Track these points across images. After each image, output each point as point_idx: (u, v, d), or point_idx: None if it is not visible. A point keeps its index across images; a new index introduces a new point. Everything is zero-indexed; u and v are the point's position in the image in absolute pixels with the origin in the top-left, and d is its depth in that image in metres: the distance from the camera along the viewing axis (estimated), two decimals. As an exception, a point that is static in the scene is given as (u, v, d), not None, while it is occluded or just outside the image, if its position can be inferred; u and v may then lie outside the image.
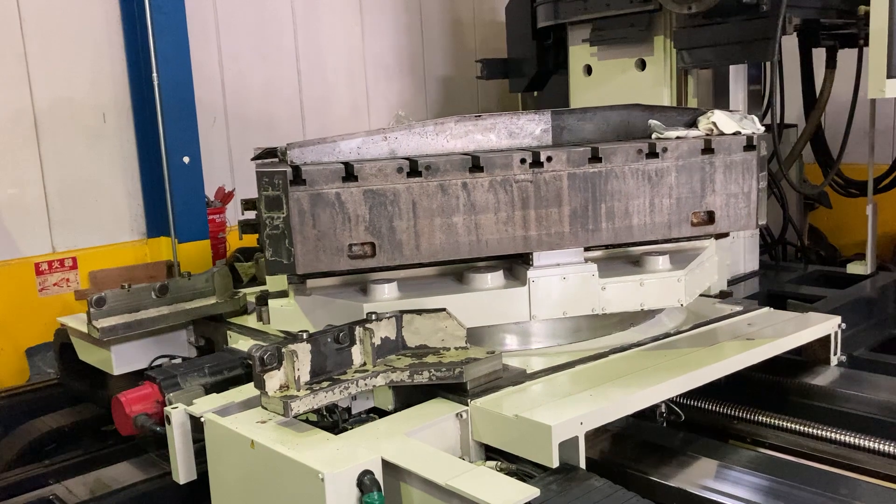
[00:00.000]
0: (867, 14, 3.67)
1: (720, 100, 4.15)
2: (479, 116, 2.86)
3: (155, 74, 4.76)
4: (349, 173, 2.52)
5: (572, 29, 4.39)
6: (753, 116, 2.82)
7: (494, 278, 2.68)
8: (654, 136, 2.75)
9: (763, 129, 2.79)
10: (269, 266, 2.56)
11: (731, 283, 4.14)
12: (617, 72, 4.20)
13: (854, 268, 4.32)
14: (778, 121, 4.15)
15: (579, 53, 4.37)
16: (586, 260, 2.71)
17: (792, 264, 4.81)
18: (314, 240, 2.51)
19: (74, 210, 4.77)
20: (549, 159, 2.57)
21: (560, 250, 2.66)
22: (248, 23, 5.39)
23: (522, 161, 2.56)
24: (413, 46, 6.29)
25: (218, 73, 5.30)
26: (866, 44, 3.74)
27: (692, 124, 2.79)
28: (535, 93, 5.19)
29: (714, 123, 2.73)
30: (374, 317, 2.39)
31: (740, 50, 3.67)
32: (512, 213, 2.59)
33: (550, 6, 4.39)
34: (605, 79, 4.27)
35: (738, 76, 4.18)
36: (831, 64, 4.30)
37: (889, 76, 3.49)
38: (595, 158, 2.59)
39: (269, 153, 2.79)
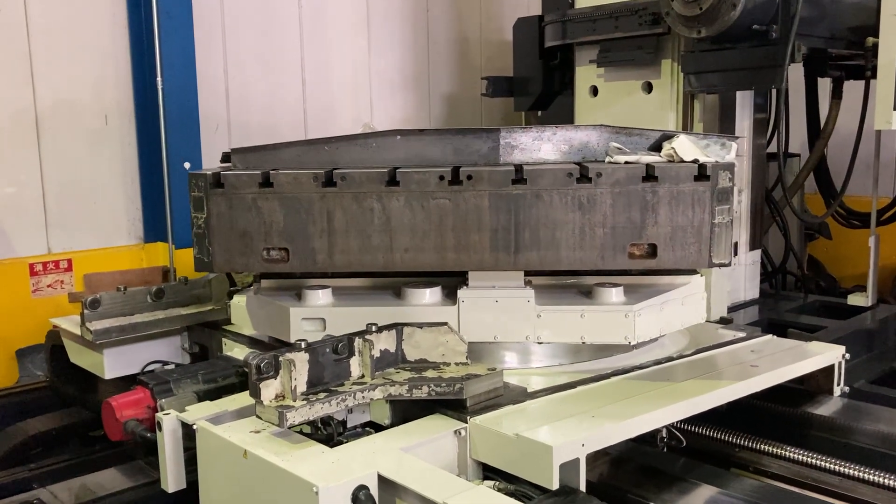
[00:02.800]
0: (875, 46, 3.68)
1: (726, 126, 4.14)
2: (423, 131, 2.78)
3: (159, 79, 4.73)
4: (265, 180, 2.61)
5: (579, 49, 4.39)
6: (732, 144, 2.62)
7: (430, 295, 2.65)
8: (607, 159, 2.59)
9: (732, 159, 2.56)
10: (195, 262, 2.72)
11: (731, 310, 4.12)
12: (623, 94, 4.20)
13: (855, 299, 4.29)
14: (783, 149, 4.14)
15: (586, 74, 4.36)
16: (527, 285, 2.62)
17: (791, 293, 4.79)
18: (230, 241, 2.65)
19: (72, 212, 4.72)
20: (469, 178, 2.50)
21: (502, 272, 2.57)
22: (254, 31, 5.38)
23: (441, 178, 2.51)
24: (418, 62, 6.29)
25: (222, 79, 5.28)
26: (873, 76, 3.75)
27: (658, 148, 2.63)
28: (540, 112, 5.18)
29: (674, 149, 2.54)
30: (373, 328, 2.36)
31: (748, 76, 3.66)
32: (428, 231, 2.54)
33: (558, 26, 4.40)
34: (610, 100, 4.26)
35: (744, 103, 4.17)
36: (837, 94, 4.30)
37: (896, 108, 3.49)
38: (519, 180, 2.48)
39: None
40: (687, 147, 2.52)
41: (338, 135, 2.78)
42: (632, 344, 2.60)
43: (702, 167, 2.45)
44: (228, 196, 2.64)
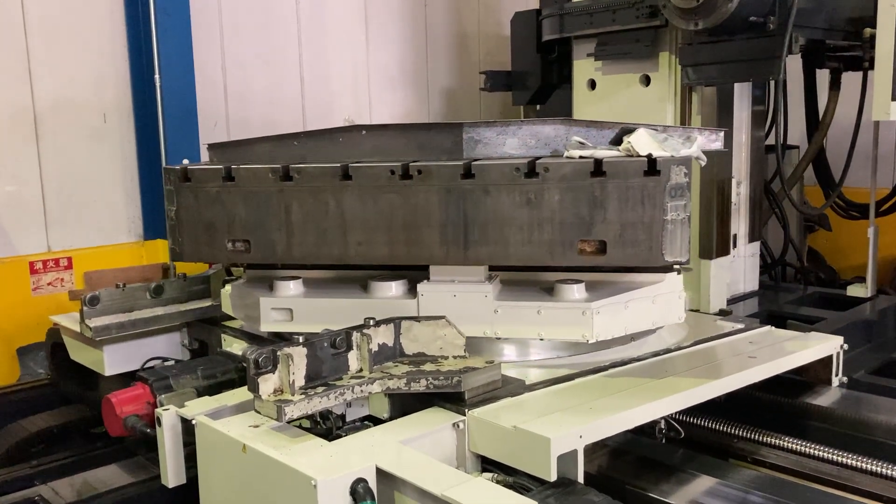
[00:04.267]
0: (873, 37, 3.67)
1: (724, 118, 4.13)
2: (387, 126, 2.82)
3: (157, 76, 4.73)
4: (228, 175, 2.72)
5: (577, 43, 4.38)
6: (697, 137, 2.53)
7: (394, 288, 2.68)
8: (565, 154, 2.55)
9: (693, 153, 2.45)
10: (170, 253, 2.89)
11: (731, 302, 4.12)
12: (621, 87, 4.19)
13: (854, 290, 4.29)
14: (782, 141, 4.14)
15: (584, 68, 4.35)
16: (491, 279, 2.61)
17: (791, 285, 4.79)
18: (197, 232, 2.80)
19: (71, 210, 4.73)
20: (419, 172, 2.51)
21: (465, 266, 2.56)
22: (252, 28, 5.38)
23: (392, 173, 2.53)
24: (417, 57, 6.28)
25: (220, 76, 5.28)
26: (871, 66, 3.74)
27: (619, 142, 2.56)
28: (538, 106, 5.18)
29: (630, 143, 2.45)
30: (371, 322, 2.36)
31: (746, 68, 3.65)
32: (380, 225, 2.58)
33: (556, 20, 4.39)
34: (608, 94, 4.26)
35: (742, 95, 4.17)
36: (835, 86, 4.29)
37: (894, 98, 3.48)
38: (468, 175, 2.47)
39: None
40: (644, 141, 2.44)
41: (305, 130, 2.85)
42: (590, 342, 2.55)
43: (652, 162, 2.36)
44: (195, 190, 2.77)
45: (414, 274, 2.71)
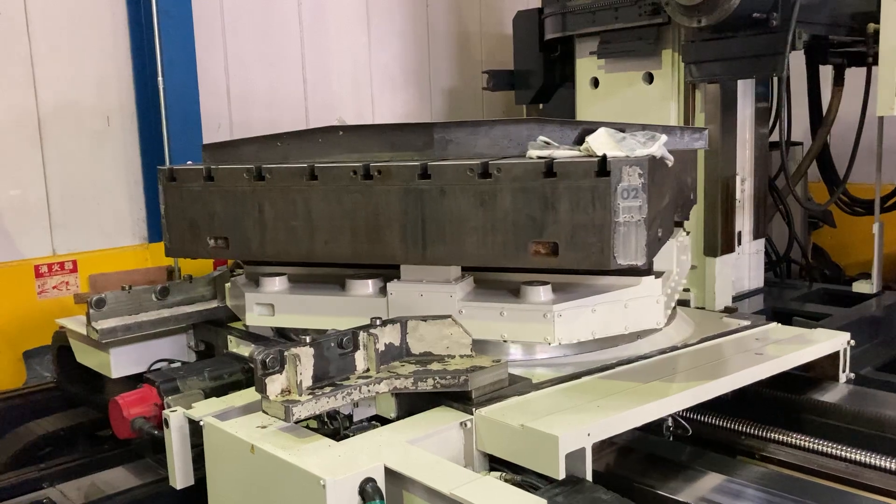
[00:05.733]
0: (877, 32, 3.66)
1: (727, 115, 4.13)
2: (363, 127, 2.88)
3: (160, 78, 4.74)
4: (208, 175, 2.84)
5: (580, 41, 4.38)
6: (661, 137, 2.43)
7: (368, 286, 2.74)
8: (527, 154, 2.50)
9: (653, 153, 2.35)
10: (165, 249, 3.09)
11: (736, 299, 4.12)
12: (624, 85, 4.19)
13: (860, 286, 4.28)
14: (786, 137, 4.13)
15: (586, 66, 4.36)
16: (456, 280, 2.62)
17: (796, 282, 4.78)
18: (182, 229, 2.96)
19: (76, 213, 4.74)
20: (379, 172, 2.53)
21: (438, 267, 2.58)
22: (254, 29, 5.39)
23: (354, 173, 2.56)
24: (419, 57, 6.29)
25: (223, 78, 5.29)
26: (875, 62, 3.74)
27: (581, 141, 2.50)
28: (541, 105, 5.18)
29: (588, 143, 2.38)
30: (378, 322, 2.36)
31: (749, 64, 3.65)
32: (343, 224, 2.62)
33: (558, 18, 4.39)
34: (611, 92, 4.26)
35: (746, 92, 4.16)
36: (839, 82, 4.28)
37: (898, 94, 3.48)
38: (424, 175, 2.48)
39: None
40: (601, 141, 2.38)
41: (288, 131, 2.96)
42: (551, 345, 2.52)
43: (602, 162, 2.29)
44: (180, 189, 2.93)
45: (393, 272, 2.75)
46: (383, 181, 2.53)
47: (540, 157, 2.39)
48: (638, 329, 2.68)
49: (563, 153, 2.40)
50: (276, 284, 2.90)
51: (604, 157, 2.30)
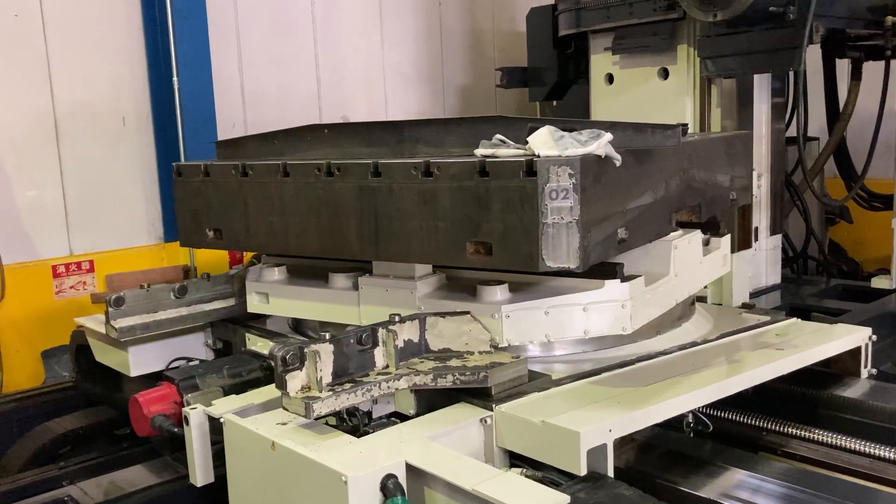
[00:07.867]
0: (895, 25, 3.64)
1: (744, 110, 4.11)
2: (345, 125, 3.00)
3: (175, 79, 4.76)
4: (205, 171, 3.03)
5: (594, 37, 4.37)
6: (605, 136, 2.30)
7: (346, 280, 2.83)
8: (477, 151, 2.42)
9: (594, 152, 2.25)
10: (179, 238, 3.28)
11: (753, 295, 4.10)
12: (639, 81, 4.17)
13: (879, 282, 4.25)
14: (803, 132, 4.11)
15: (601, 62, 4.34)
16: (420, 277, 2.64)
17: (813, 278, 4.75)
18: (187, 221, 3.17)
19: (92, 213, 4.77)
20: (338, 170, 2.60)
21: (408, 264, 2.62)
22: (268, 29, 5.40)
23: (318, 170, 2.65)
24: (432, 55, 6.29)
25: (237, 78, 5.31)
26: (893, 55, 3.71)
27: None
28: (555, 102, 5.17)
29: (528, 142, 2.30)
30: (397, 318, 2.36)
31: (766, 59, 3.63)
32: (307, 219, 2.73)
33: (572, 14, 4.38)
34: (626, 88, 4.24)
35: (762, 87, 4.14)
36: (856, 76, 4.25)
37: (918, 87, 3.45)
38: (376, 173, 2.51)
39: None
40: (540, 139, 2.30)
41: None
42: (500, 346, 2.45)
43: (529, 162, 2.24)
44: (185, 184, 3.13)
45: (368, 267, 2.84)
46: (342, 178, 2.61)
47: (484, 156, 2.36)
48: (599, 334, 2.57)
49: (506, 152, 2.35)
50: (274, 274, 3.06)
51: (531, 157, 2.25)
